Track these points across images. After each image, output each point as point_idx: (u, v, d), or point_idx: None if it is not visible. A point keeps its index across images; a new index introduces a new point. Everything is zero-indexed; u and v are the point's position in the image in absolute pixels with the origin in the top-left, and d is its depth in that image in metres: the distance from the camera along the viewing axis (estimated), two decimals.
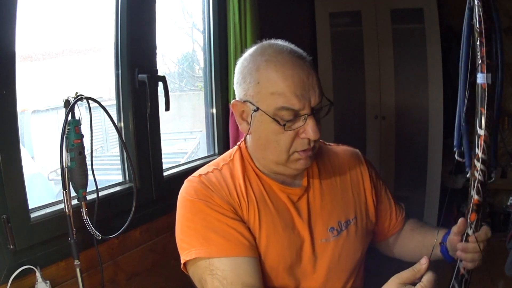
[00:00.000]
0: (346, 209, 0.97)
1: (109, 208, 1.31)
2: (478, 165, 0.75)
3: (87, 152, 1.11)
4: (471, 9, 0.76)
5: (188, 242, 0.86)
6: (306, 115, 0.82)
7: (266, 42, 0.90)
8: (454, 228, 0.86)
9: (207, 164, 0.98)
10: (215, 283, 0.81)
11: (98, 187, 1.17)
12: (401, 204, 1.12)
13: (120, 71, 1.43)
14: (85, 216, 1.11)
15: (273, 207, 0.91)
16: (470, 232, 0.78)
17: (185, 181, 0.94)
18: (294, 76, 0.81)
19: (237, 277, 0.81)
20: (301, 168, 0.90)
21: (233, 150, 0.98)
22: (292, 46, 0.89)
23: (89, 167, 1.13)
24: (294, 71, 0.82)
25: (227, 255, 0.83)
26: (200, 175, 0.93)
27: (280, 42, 0.90)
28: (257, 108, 0.84)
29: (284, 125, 0.82)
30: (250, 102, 0.86)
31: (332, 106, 0.88)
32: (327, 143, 1.09)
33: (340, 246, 0.94)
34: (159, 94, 1.50)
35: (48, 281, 1.07)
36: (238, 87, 0.89)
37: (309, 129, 0.83)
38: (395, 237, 1.11)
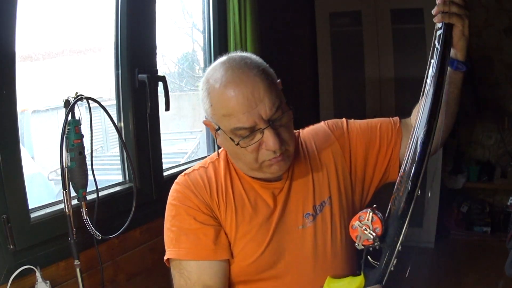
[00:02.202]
0: (320, 192, 0.98)
1: (109, 208, 1.31)
2: None
3: (87, 152, 1.11)
4: None
5: (166, 243, 0.95)
6: (262, 129, 0.83)
7: (219, 60, 0.90)
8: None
9: (197, 162, 1.03)
10: (181, 281, 0.91)
11: (98, 187, 1.17)
12: (392, 119, 1.06)
13: (120, 71, 1.43)
14: (85, 216, 1.11)
15: (251, 206, 0.94)
16: None
17: (174, 182, 0.99)
18: (238, 96, 0.82)
19: (199, 280, 0.90)
20: (278, 172, 0.91)
21: (221, 149, 1.02)
22: (244, 55, 0.89)
23: (89, 167, 1.13)
24: (237, 91, 0.82)
25: (193, 259, 0.91)
26: (185, 174, 0.99)
27: (233, 55, 0.90)
28: (218, 128, 0.88)
29: (238, 143, 0.85)
30: (213, 121, 0.90)
31: (292, 110, 0.88)
32: (297, 130, 1.07)
33: (318, 230, 0.95)
34: (159, 94, 1.50)
35: (48, 281, 1.07)
36: (202, 107, 0.92)
37: (268, 141, 0.84)
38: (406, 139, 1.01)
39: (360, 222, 0.79)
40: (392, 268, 0.79)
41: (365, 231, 0.79)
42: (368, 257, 0.83)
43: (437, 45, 0.83)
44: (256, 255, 0.93)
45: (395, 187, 0.81)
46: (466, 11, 0.83)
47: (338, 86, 2.99)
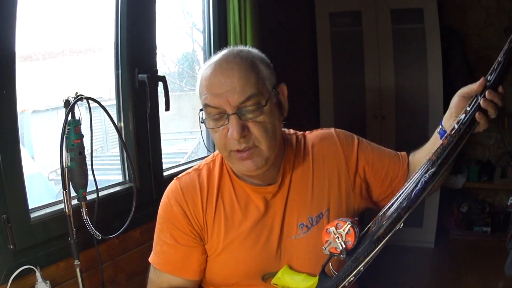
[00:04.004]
0: (319, 202, 0.95)
1: (109, 208, 1.31)
2: None
3: (87, 152, 1.11)
4: None
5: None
6: (227, 115, 0.85)
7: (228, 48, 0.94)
8: (464, 90, 0.80)
9: (194, 165, 1.03)
10: (154, 277, 0.99)
11: (98, 187, 1.17)
12: (401, 154, 1.03)
13: (120, 71, 1.43)
14: (85, 216, 1.11)
15: (241, 211, 0.94)
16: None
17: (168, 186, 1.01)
18: (212, 77, 0.86)
19: (168, 284, 0.97)
20: (247, 170, 0.89)
21: (216, 152, 1.01)
22: (246, 48, 0.92)
23: (89, 167, 1.13)
24: (214, 72, 0.86)
25: (161, 270, 0.97)
26: (177, 178, 1.00)
27: (239, 47, 0.93)
28: (201, 109, 0.91)
29: (203, 121, 0.89)
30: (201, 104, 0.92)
31: (260, 101, 0.85)
32: (301, 133, 1.05)
33: (312, 242, 0.93)
34: (159, 94, 1.50)
35: (48, 281, 1.07)
36: None
37: (230, 128, 0.85)
38: None
39: (336, 230, 0.79)
40: (346, 284, 0.79)
41: (337, 240, 0.78)
42: (330, 264, 0.83)
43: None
44: (246, 260, 0.93)
45: (383, 210, 0.80)
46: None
47: (338, 86, 2.98)
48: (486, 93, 0.74)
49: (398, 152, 1.03)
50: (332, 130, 1.04)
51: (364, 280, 1.04)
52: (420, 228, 2.93)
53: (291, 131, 1.04)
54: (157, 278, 0.98)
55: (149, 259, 1.00)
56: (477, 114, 0.75)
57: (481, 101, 0.75)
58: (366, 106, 2.94)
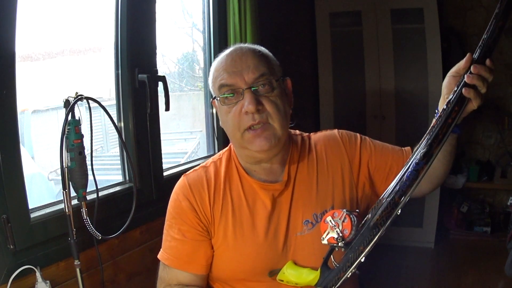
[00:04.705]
0: (323, 200, 0.97)
1: (109, 208, 1.31)
2: None
3: (87, 152, 1.11)
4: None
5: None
6: (242, 90, 0.89)
7: None
8: (453, 69, 0.81)
9: (195, 164, 1.06)
10: (163, 274, 1.00)
11: (98, 187, 1.17)
12: (404, 149, 1.04)
13: (120, 71, 1.43)
14: (85, 216, 1.11)
15: (249, 208, 0.96)
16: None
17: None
18: (227, 59, 0.93)
19: (177, 281, 0.98)
20: (260, 149, 0.90)
21: (225, 149, 1.05)
22: (250, 44, 0.99)
23: (89, 167, 1.13)
24: (228, 56, 0.94)
25: (170, 265, 0.98)
26: (185, 175, 1.02)
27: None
28: (215, 97, 0.95)
29: (218, 98, 0.93)
30: (212, 93, 0.97)
31: (271, 80, 0.91)
32: (306, 134, 1.07)
33: (316, 238, 0.91)
34: (159, 94, 1.50)
35: (48, 281, 1.07)
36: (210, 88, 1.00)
37: (245, 102, 0.89)
38: None
39: (332, 219, 0.79)
40: (349, 275, 0.78)
41: (334, 229, 0.78)
42: (333, 257, 0.82)
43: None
44: (252, 255, 0.94)
45: (379, 199, 0.79)
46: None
47: (338, 86, 2.99)
48: (472, 67, 0.75)
49: (402, 148, 1.05)
50: (335, 131, 1.07)
51: (364, 280, 1.05)
52: (420, 228, 2.93)
53: (297, 132, 1.06)
54: (166, 274, 0.99)
55: (158, 256, 1.01)
56: (464, 90, 0.75)
57: (466, 77, 0.75)
58: (366, 106, 2.94)
